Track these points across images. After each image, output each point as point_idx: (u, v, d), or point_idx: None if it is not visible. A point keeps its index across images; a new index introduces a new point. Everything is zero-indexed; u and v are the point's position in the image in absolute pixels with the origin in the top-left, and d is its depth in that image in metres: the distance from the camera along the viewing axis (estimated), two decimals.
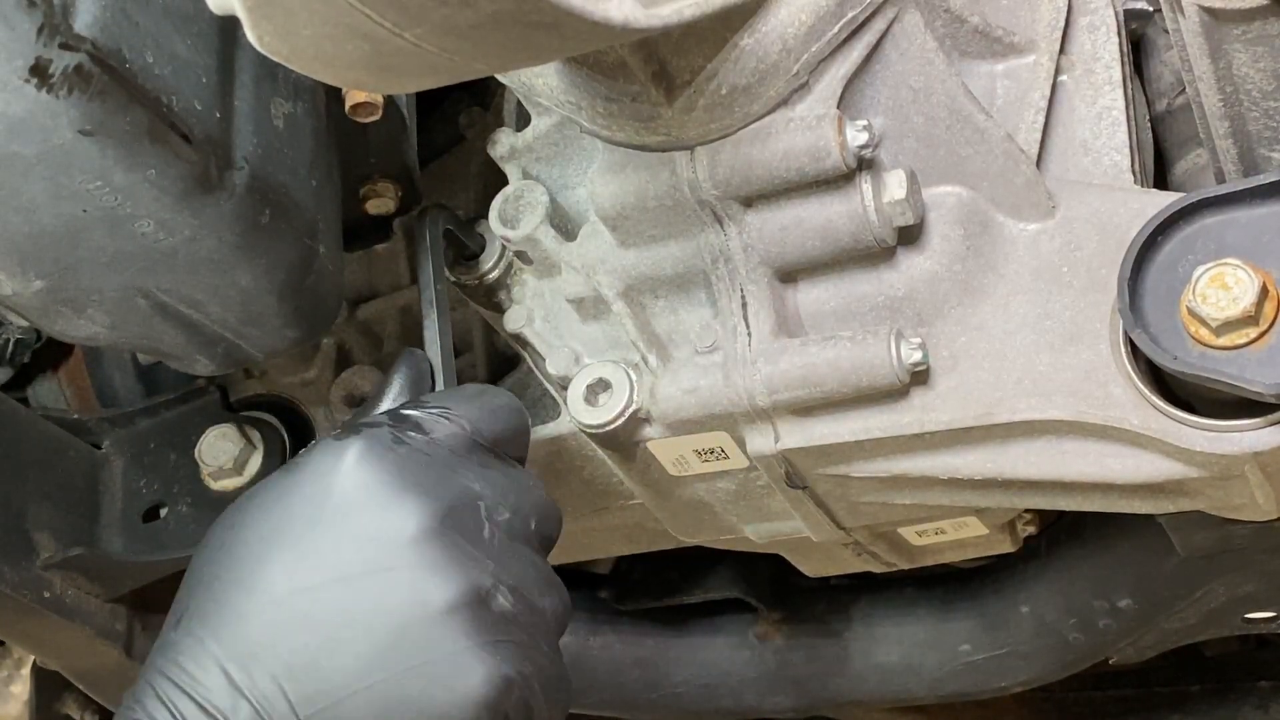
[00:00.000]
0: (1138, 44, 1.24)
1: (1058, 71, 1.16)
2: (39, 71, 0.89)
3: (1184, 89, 1.10)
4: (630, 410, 1.14)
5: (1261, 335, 0.97)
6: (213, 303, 1.08)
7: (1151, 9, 1.21)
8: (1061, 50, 1.17)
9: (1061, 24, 1.17)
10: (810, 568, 1.44)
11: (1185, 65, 1.05)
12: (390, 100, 1.20)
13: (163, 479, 1.47)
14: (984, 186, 1.09)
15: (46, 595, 1.36)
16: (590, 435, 1.16)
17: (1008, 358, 1.07)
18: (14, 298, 1.03)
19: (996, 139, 1.09)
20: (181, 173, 0.99)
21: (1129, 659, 1.55)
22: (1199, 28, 1.01)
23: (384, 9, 0.73)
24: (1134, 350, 1.02)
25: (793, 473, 1.16)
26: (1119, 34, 1.18)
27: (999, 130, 1.09)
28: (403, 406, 1.07)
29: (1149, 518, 1.22)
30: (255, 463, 1.48)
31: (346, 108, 1.17)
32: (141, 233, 1.00)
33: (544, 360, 1.21)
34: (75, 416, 1.51)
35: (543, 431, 1.27)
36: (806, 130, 1.02)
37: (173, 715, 0.95)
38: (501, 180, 1.23)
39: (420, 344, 1.48)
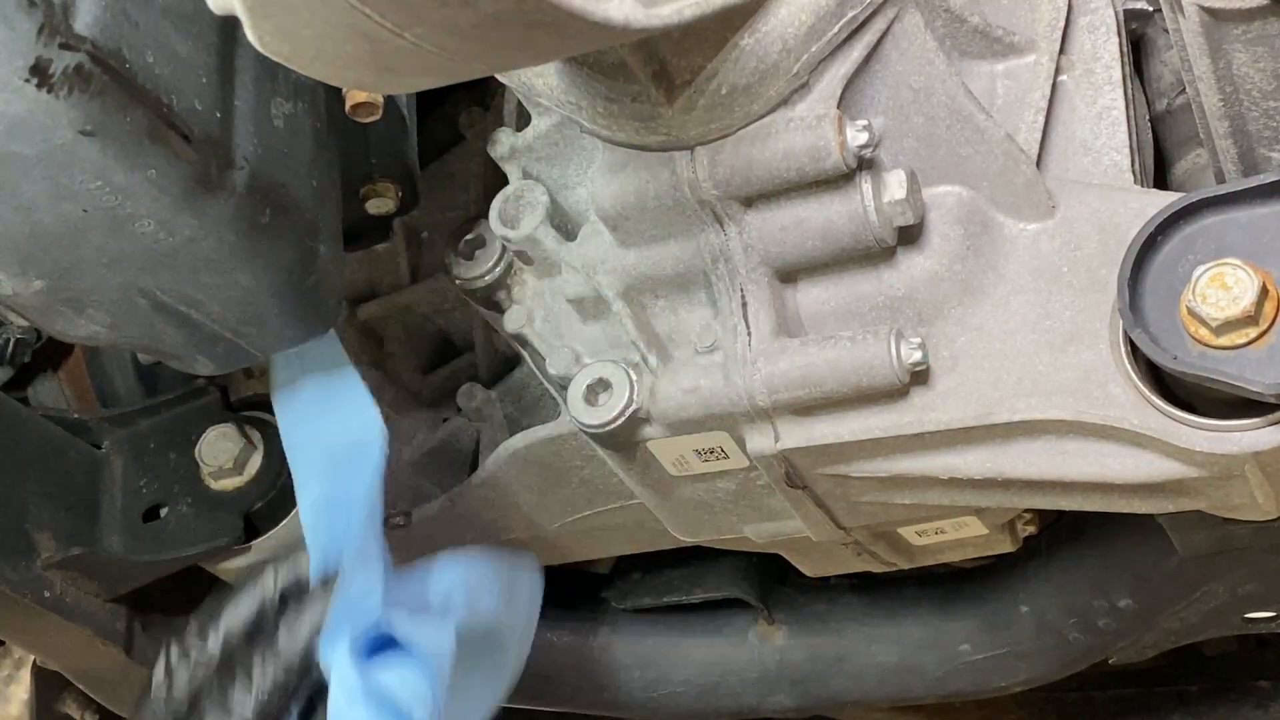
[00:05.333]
0: (1138, 44, 1.24)
1: (1058, 71, 1.16)
2: (39, 71, 0.89)
3: (1184, 89, 1.10)
4: (630, 410, 1.14)
5: (1261, 335, 0.97)
6: (213, 303, 1.08)
7: (1151, 9, 1.21)
8: (1061, 50, 1.17)
9: (1061, 24, 1.17)
10: (810, 568, 1.44)
11: (1185, 65, 1.05)
12: (390, 100, 1.20)
13: (163, 479, 1.47)
14: (984, 186, 1.09)
15: (47, 595, 1.36)
16: (590, 435, 1.16)
17: (1008, 358, 1.07)
18: (14, 298, 1.03)
19: (996, 139, 1.09)
20: (181, 173, 0.99)
21: (1129, 659, 1.55)
22: (1199, 28, 1.01)
23: (384, 9, 0.73)
24: (1134, 350, 1.02)
25: (793, 473, 1.16)
26: (1119, 34, 1.18)
27: (999, 130, 1.09)
28: None
29: (1149, 518, 1.22)
30: (255, 462, 1.48)
31: (346, 108, 1.17)
32: (142, 233, 1.00)
33: (544, 360, 1.21)
34: (75, 416, 1.51)
35: (542, 432, 1.27)
36: (806, 130, 1.02)
37: None
38: (501, 180, 1.23)
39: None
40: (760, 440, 1.13)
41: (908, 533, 1.34)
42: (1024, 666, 1.56)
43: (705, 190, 1.06)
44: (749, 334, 1.10)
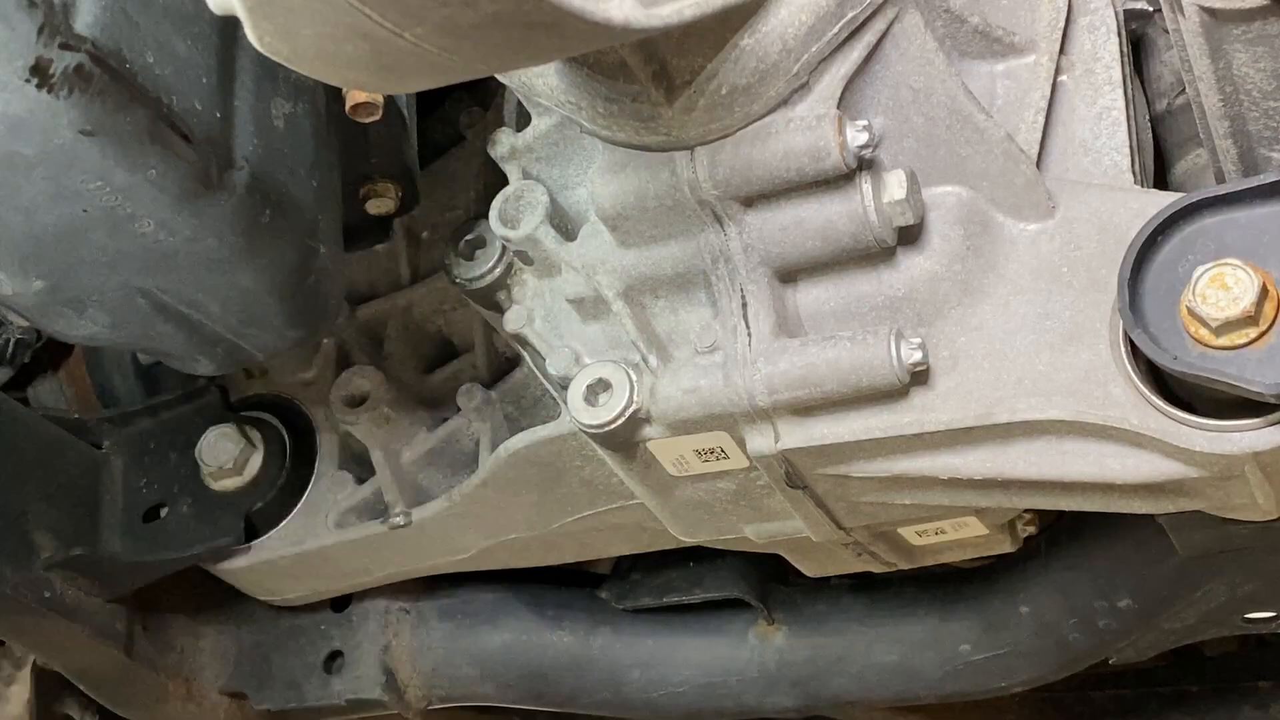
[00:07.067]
0: (1138, 44, 1.24)
1: (1058, 71, 1.16)
2: (39, 71, 0.89)
3: (1184, 89, 1.10)
4: (630, 410, 1.14)
5: (1261, 335, 0.97)
6: (213, 303, 1.09)
7: (1151, 9, 1.21)
8: (1061, 50, 1.17)
9: (1061, 24, 1.17)
10: (810, 568, 1.44)
11: (1185, 65, 1.05)
12: (390, 100, 1.20)
13: (163, 479, 1.47)
14: (984, 186, 1.09)
15: (47, 595, 1.36)
16: (590, 435, 1.16)
17: (1008, 358, 1.07)
18: (14, 298, 1.03)
19: (996, 139, 1.09)
20: (182, 173, 0.99)
21: (1129, 659, 1.55)
22: (1199, 28, 1.01)
23: (384, 9, 0.73)
24: (1134, 350, 1.02)
25: (793, 473, 1.16)
26: (1119, 34, 1.19)
27: (999, 130, 1.09)
28: None
29: (1149, 518, 1.22)
30: (255, 462, 1.49)
31: (346, 108, 1.17)
32: (142, 233, 1.00)
33: (544, 360, 1.20)
34: (75, 416, 1.52)
35: (542, 432, 1.27)
36: (806, 130, 1.02)
37: None
38: (501, 180, 1.23)
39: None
40: (760, 440, 1.13)
41: (908, 533, 1.34)
42: (1024, 666, 1.56)
43: (705, 190, 1.06)
44: (749, 334, 1.10)
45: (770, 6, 1.00)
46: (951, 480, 1.11)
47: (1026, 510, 1.38)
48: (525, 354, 1.27)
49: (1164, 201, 1.02)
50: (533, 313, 1.22)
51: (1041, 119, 1.14)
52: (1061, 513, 1.46)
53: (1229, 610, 1.44)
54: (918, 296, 1.09)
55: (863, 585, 1.63)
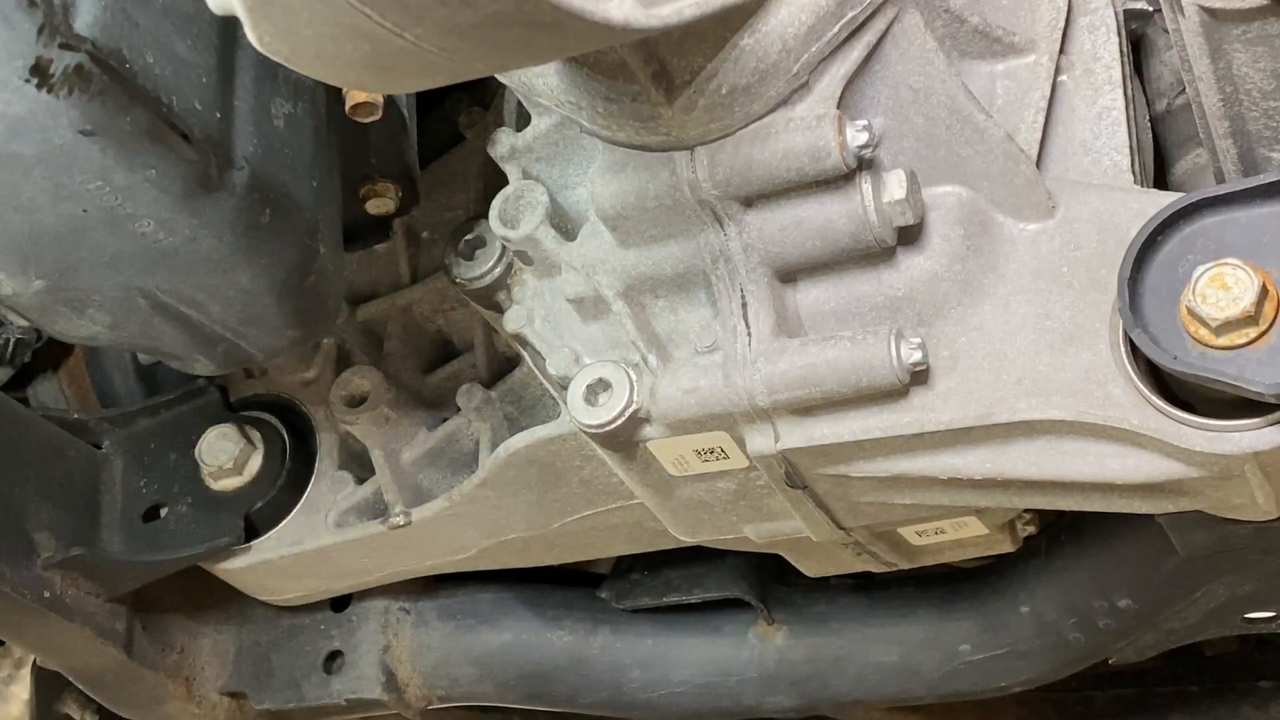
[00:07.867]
0: (1138, 44, 1.24)
1: (1058, 71, 1.16)
2: (39, 71, 0.89)
3: (1184, 89, 1.10)
4: (630, 410, 1.14)
5: (1261, 335, 0.97)
6: (213, 303, 1.09)
7: (1151, 9, 1.21)
8: (1061, 50, 1.17)
9: (1061, 24, 1.17)
10: (810, 568, 1.44)
11: (1185, 65, 1.05)
12: (390, 100, 1.20)
13: (163, 479, 1.47)
14: (984, 186, 1.09)
15: (46, 595, 1.36)
16: (590, 435, 1.16)
17: (1008, 358, 1.07)
18: (14, 298, 1.03)
19: (996, 139, 1.09)
20: (182, 173, 0.99)
21: (1129, 659, 1.55)
22: (1199, 28, 1.01)
23: (384, 9, 0.73)
24: (1134, 350, 1.02)
25: (793, 473, 1.16)
26: (1119, 34, 1.19)
27: (999, 130, 1.09)
28: None
29: (1149, 518, 1.22)
30: (255, 462, 1.49)
31: (346, 108, 1.17)
32: (142, 233, 1.00)
33: (544, 360, 1.21)
34: (75, 416, 1.52)
35: (542, 432, 1.27)
36: (806, 130, 1.02)
37: None
38: (501, 180, 1.23)
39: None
40: (760, 440, 1.13)
41: (908, 533, 1.34)
42: (1024, 666, 1.56)
43: (705, 190, 1.06)
44: (749, 334, 1.10)
45: (770, 6, 1.00)
46: (951, 480, 1.11)
47: (1026, 510, 1.38)
48: (525, 354, 1.27)
49: (1164, 201, 1.02)
50: (533, 313, 1.22)
51: (1041, 119, 1.14)
52: (1061, 513, 1.46)
53: (1229, 610, 1.44)
54: (918, 296, 1.09)
55: (862, 585, 1.63)
